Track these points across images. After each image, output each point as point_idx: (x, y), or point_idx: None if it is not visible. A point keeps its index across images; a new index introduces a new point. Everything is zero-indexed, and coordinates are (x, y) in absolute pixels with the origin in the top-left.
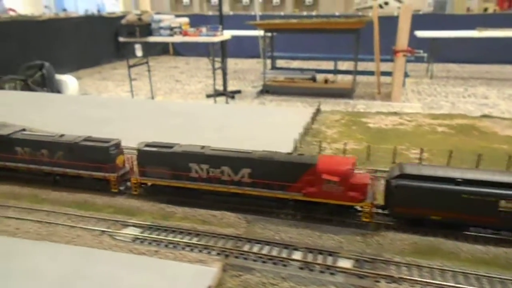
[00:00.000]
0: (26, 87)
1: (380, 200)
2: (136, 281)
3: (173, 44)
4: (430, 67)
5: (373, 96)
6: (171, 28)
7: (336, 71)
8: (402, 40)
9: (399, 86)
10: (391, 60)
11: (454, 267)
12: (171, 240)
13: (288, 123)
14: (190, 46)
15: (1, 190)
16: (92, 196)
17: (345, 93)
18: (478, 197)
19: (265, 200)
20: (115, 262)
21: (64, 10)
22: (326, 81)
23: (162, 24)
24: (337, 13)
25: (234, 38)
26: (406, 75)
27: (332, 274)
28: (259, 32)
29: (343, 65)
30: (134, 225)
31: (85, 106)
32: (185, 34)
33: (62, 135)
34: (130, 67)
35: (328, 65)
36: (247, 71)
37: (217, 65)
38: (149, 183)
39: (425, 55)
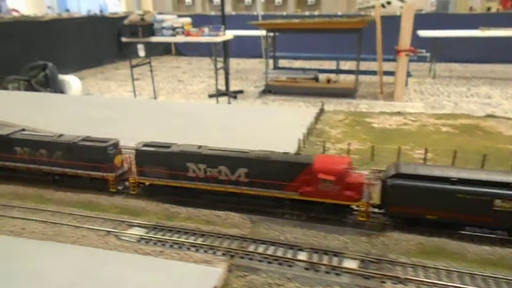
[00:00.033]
0: (30, 88)
1: (376, 200)
2: (142, 281)
3: (176, 44)
4: (433, 66)
5: (376, 95)
6: (174, 28)
7: (338, 71)
8: (405, 40)
9: (402, 85)
10: (394, 60)
11: (460, 268)
12: (176, 240)
13: (292, 123)
14: (192, 46)
15: (6, 190)
16: (97, 196)
17: (348, 93)
18: (473, 196)
19: (262, 199)
20: (121, 262)
21: (67, 10)
22: (328, 81)
23: (164, 24)
24: (339, 13)
25: (236, 38)
26: (408, 74)
27: (337, 274)
28: (261, 32)
29: (346, 65)
30: (139, 226)
31: (88, 106)
32: (188, 34)
33: (61, 135)
34: (132, 67)
35: (331, 65)
36: (249, 71)
37: (219, 65)
38: (147, 183)
39: (428, 54)
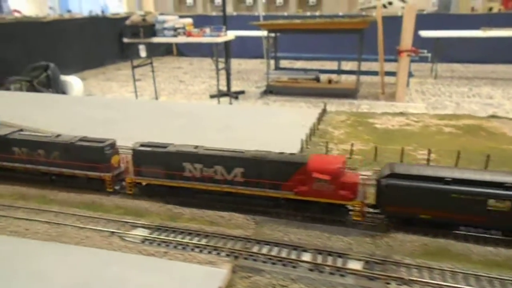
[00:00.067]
0: (32, 88)
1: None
2: (146, 282)
3: (177, 44)
4: (434, 67)
5: (377, 96)
6: (175, 29)
7: (340, 71)
8: (406, 40)
9: (403, 86)
10: (395, 60)
11: (465, 269)
12: (180, 241)
13: (294, 123)
14: (193, 47)
15: (9, 191)
16: (99, 197)
17: (349, 93)
18: (467, 196)
19: (258, 199)
20: (125, 263)
21: (69, 11)
22: (330, 81)
23: (166, 25)
24: (340, 13)
25: (238, 38)
26: (410, 75)
27: (342, 276)
28: (263, 33)
29: (347, 65)
30: (143, 226)
31: (90, 107)
32: (189, 34)
33: (58, 135)
34: (134, 67)
35: (332, 65)
36: (250, 72)
37: (221, 65)
38: (144, 183)
39: (429, 55)
